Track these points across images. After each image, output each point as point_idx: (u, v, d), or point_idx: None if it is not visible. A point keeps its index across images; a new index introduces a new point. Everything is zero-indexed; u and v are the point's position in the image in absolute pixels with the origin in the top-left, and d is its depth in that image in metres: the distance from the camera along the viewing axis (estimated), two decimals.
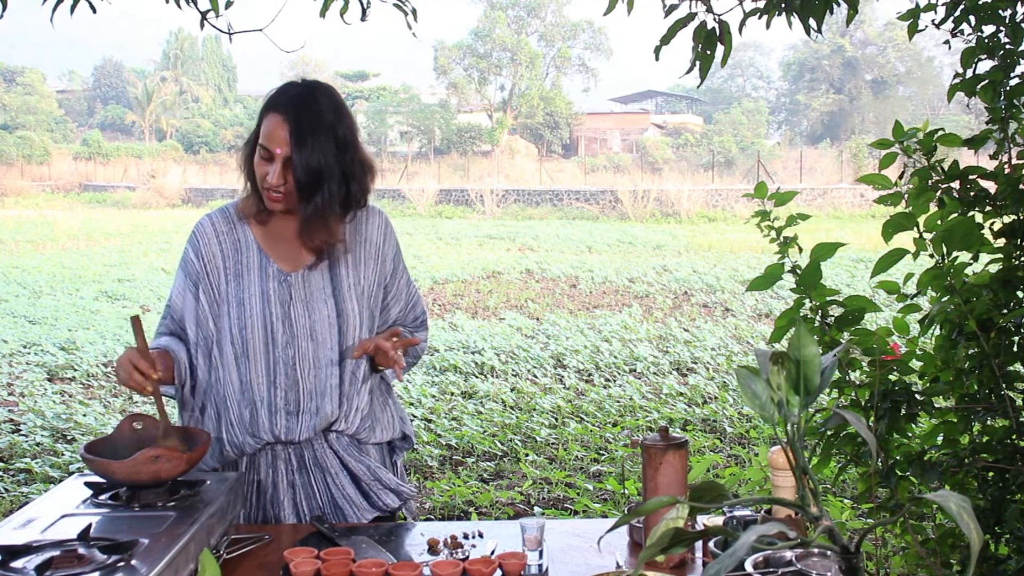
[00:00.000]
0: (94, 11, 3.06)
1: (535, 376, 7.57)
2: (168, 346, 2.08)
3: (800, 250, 2.32)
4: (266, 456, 2.07)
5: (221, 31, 3.17)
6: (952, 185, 2.23)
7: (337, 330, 2.05)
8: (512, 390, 7.05)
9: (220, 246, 2.11)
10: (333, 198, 2.02)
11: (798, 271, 2.26)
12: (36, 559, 1.44)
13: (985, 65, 2.34)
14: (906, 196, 2.23)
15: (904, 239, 2.18)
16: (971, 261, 2.25)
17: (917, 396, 2.22)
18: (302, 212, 2.02)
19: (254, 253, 2.09)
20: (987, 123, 2.29)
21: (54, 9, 2.82)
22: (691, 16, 2.44)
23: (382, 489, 2.09)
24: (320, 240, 2.05)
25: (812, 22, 2.51)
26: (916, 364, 2.33)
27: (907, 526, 2.35)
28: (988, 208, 2.24)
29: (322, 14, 3.16)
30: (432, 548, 1.80)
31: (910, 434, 2.29)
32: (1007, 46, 2.30)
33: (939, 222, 2.19)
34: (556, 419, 6.24)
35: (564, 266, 14.67)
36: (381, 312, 2.17)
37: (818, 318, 2.28)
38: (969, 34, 2.37)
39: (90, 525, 1.56)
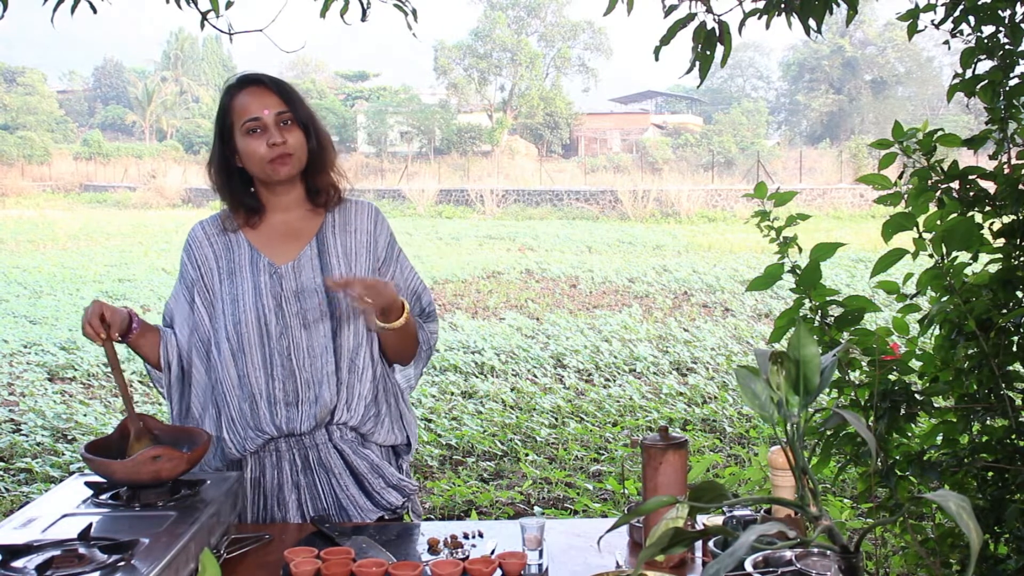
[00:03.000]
0: (94, 11, 3.07)
1: (535, 376, 7.57)
2: (160, 327, 2.15)
3: (800, 250, 2.32)
4: (270, 456, 2.07)
5: (221, 31, 3.17)
6: (952, 185, 2.24)
7: (329, 317, 2.07)
8: (512, 390, 7.05)
9: (212, 248, 2.15)
10: (327, 139, 2.15)
11: (798, 271, 2.26)
12: (36, 559, 1.44)
13: (985, 65, 2.34)
14: (906, 196, 2.23)
15: (904, 239, 2.19)
16: (971, 261, 2.25)
17: (917, 396, 2.22)
18: (310, 148, 2.11)
19: (245, 250, 2.13)
20: (987, 123, 2.30)
21: (54, 9, 2.83)
22: (691, 16, 2.45)
23: (384, 487, 2.10)
24: (326, 182, 2.15)
25: (812, 22, 2.51)
26: (916, 364, 2.34)
27: (907, 526, 2.36)
28: (988, 208, 2.24)
29: (322, 14, 3.17)
30: (432, 548, 1.80)
31: (910, 434, 2.30)
32: (1007, 46, 2.30)
33: (939, 222, 2.19)
34: (556, 419, 6.25)
35: (564, 266, 14.67)
36: None
37: (818, 318, 2.28)
38: (969, 34, 2.37)
39: (90, 525, 1.56)
